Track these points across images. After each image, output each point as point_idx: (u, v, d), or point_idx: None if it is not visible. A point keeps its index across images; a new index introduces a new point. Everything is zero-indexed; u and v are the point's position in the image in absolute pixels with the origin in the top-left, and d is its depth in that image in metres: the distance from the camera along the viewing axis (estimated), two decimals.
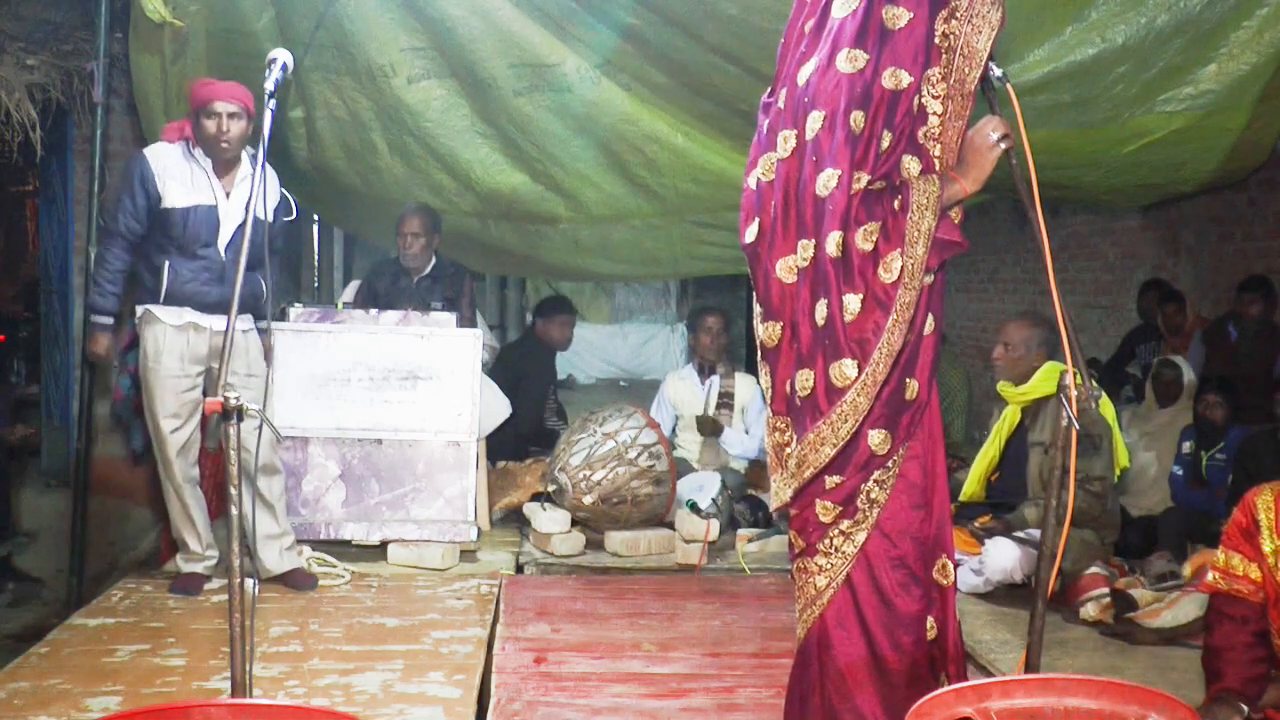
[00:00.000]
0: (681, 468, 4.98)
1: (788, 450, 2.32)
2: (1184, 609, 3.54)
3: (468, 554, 4.49)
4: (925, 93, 2.19)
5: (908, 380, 2.26)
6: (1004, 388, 4.21)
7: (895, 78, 2.15)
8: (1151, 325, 6.36)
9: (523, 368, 5.87)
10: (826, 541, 2.30)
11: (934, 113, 2.21)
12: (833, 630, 2.31)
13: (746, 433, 5.33)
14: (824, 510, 2.29)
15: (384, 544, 4.41)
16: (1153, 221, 6.84)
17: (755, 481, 5.11)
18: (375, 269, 5.53)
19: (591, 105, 4.68)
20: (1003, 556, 3.92)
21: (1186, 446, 5.07)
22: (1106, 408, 4.10)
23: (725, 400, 5.41)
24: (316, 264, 9.23)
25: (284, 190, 3.83)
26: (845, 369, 2.19)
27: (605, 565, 4.50)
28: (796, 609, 2.41)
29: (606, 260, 6.16)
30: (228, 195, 3.77)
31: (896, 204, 2.17)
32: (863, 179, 2.16)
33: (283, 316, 4.50)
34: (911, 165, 2.20)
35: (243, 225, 2.94)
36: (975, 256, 8.90)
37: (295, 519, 4.22)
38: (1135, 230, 7.09)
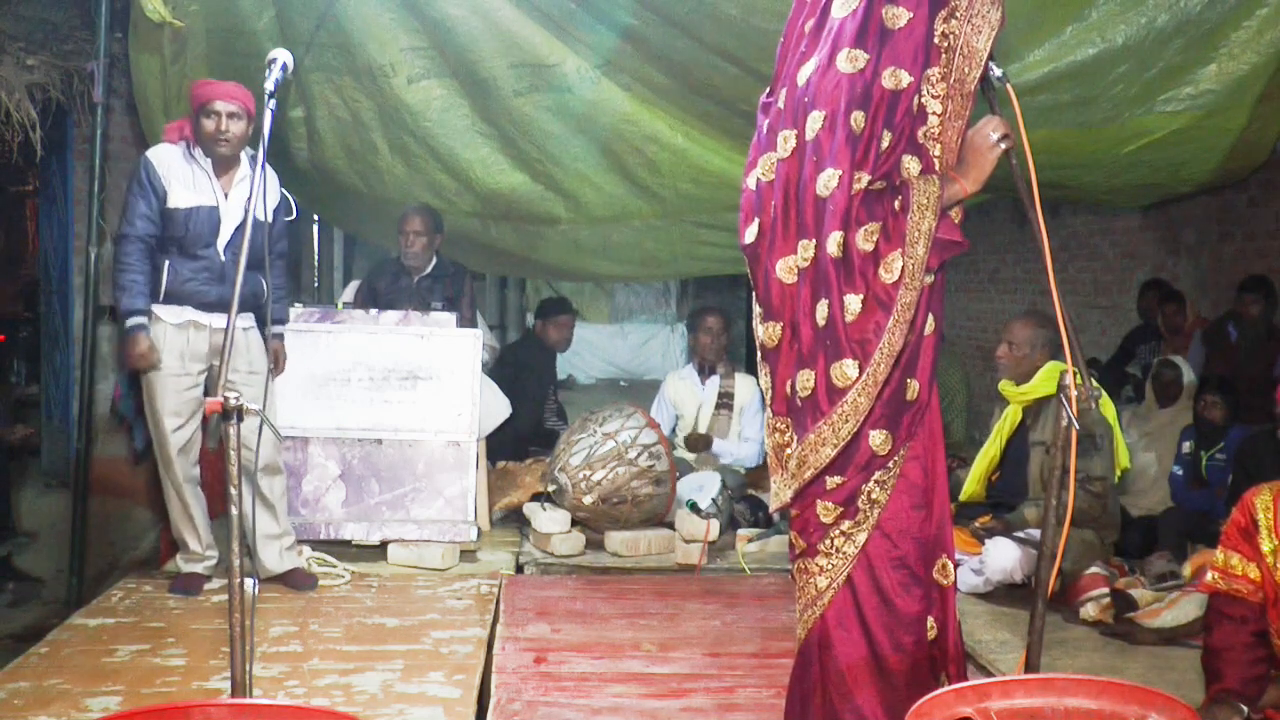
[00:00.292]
0: (681, 468, 4.97)
1: (788, 451, 2.32)
2: (1184, 609, 3.54)
3: (468, 554, 4.49)
4: (925, 92, 2.18)
5: (908, 380, 2.26)
6: (1005, 387, 4.21)
7: (895, 77, 2.15)
8: (1151, 325, 6.36)
9: (523, 368, 5.87)
10: (827, 542, 2.30)
11: (934, 112, 2.20)
12: (833, 630, 2.31)
13: (740, 437, 5.33)
14: (825, 511, 2.29)
15: (384, 544, 4.41)
16: (1153, 221, 6.84)
17: (755, 481, 5.10)
18: (376, 268, 5.53)
19: (591, 105, 4.68)
20: (1003, 556, 3.92)
21: (1186, 446, 5.08)
22: (1107, 408, 4.10)
23: (725, 400, 5.41)
24: (316, 264, 9.24)
25: (284, 190, 3.83)
26: (846, 369, 2.18)
27: (605, 565, 4.50)
28: (797, 609, 2.41)
29: (606, 261, 6.16)
30: (226, 196, 3.77)
31: (897, 204, 2.17)
32: (863, 179, 2.16)
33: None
34: (911, 165, 2.20)
35: (242, 225, 2.94)
36: (975, 256, 8.90)
37: (295, 519, 4.23)
38: (1135, 230, 7.09)
